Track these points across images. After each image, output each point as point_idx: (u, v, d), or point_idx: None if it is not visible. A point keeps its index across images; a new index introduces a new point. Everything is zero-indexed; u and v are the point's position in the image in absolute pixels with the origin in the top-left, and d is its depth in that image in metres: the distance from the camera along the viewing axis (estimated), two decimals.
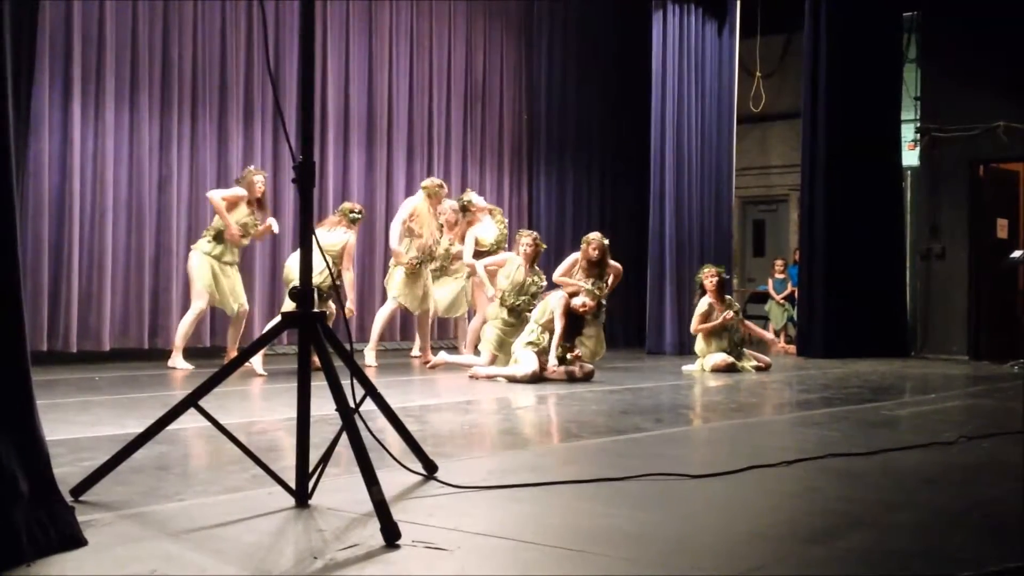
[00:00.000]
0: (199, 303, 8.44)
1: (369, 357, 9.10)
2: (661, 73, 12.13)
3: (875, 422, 5.95)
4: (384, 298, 10.92)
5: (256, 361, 8.11)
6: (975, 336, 12.83)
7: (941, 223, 13.23)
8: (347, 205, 8.94)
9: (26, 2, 3.49)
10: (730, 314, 9.59)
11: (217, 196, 8.52)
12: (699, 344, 9.78)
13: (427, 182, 9.60)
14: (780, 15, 13.75)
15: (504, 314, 8.83)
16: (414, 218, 9.30)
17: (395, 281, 9.34)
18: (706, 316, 9.66)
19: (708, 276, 9.72)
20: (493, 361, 8.71)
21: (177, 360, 8.37)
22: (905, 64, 13.41)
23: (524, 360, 8.12)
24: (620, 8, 13.41)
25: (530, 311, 8.73)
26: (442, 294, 9.74)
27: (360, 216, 8.90)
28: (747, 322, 9.93)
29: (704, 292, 9.75)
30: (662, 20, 12.16)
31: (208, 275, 8.39)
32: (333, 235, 8.54)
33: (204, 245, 8.46)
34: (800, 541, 3.00)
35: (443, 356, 9.17)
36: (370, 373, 8.22)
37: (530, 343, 8.24)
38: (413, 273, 9.26)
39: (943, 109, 13.13)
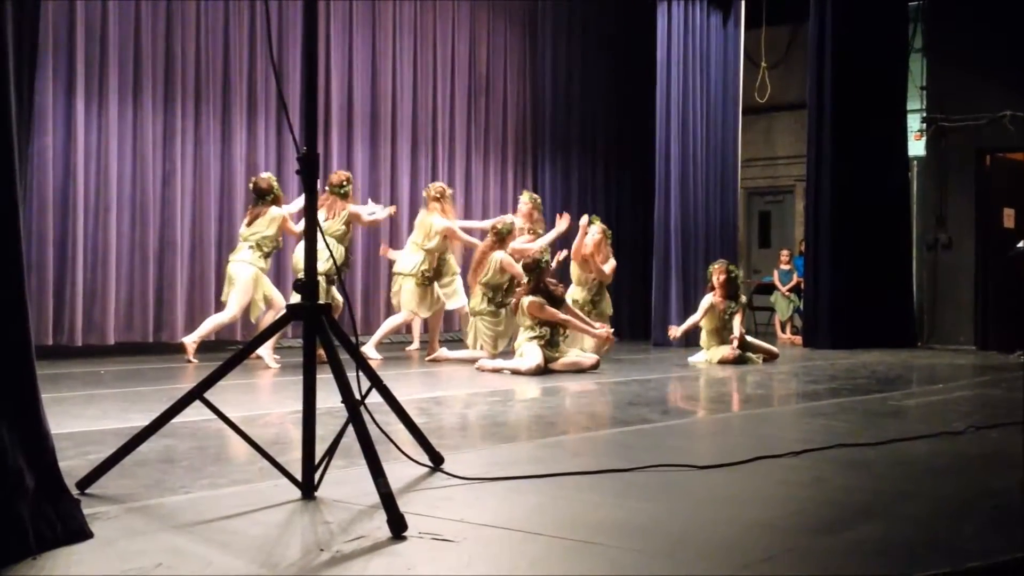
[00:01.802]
0: (238, 313, 8.44)
1: (371, 352, 9.09)
2: (666, 65, 12.09)
3: (883, 412, 5.93)
4: (387, 296, 10.99)
5: (266, 354, 8.14)
6: (982, 326, 12.80)
7: (948, 213, 13.20)
8: (333, 178, 8.91)
9: None
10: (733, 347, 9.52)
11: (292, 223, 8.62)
12: (703, 340, 9.77)
13: (430, 191, 9.52)
14: (785, 5, 13.71)
15: (486, 304, 8.90)
16: (443, 234, 9.29)
17: (406, 295, 9.29)
18: (708, 312, 9.62)
19: (716, 273, 9.70)
20: (495, 355, 8.77)
21: (192, 348, 8.33)
22: (911, 54, 13.37)
23: (529, 353, 8.12)
24: (624, 0, 13.37)
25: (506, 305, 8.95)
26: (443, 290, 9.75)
27: (349, 186, 8.88)
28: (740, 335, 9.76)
29: (712, 288, 9.73)
30: (666, 11, 12.12)
31: (254, 287, 8.38)
32: (335, 221, 8.60)
33: (258, 260, 8.39)
34: (808, 532, 2.99)
35: (444, 352, 9.19)
36: (374, 366, 8.22)
37: (534, 337, 8.24)
38: (422, 285, 9.26)
39: (949, 99, 13.08)
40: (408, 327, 10.72)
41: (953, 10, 12.94)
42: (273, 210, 8.37)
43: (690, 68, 12.26)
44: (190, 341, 8.36)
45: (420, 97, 11.93)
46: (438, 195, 9.36)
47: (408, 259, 9.33)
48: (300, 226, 8.59)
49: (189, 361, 8.21)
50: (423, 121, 11.97)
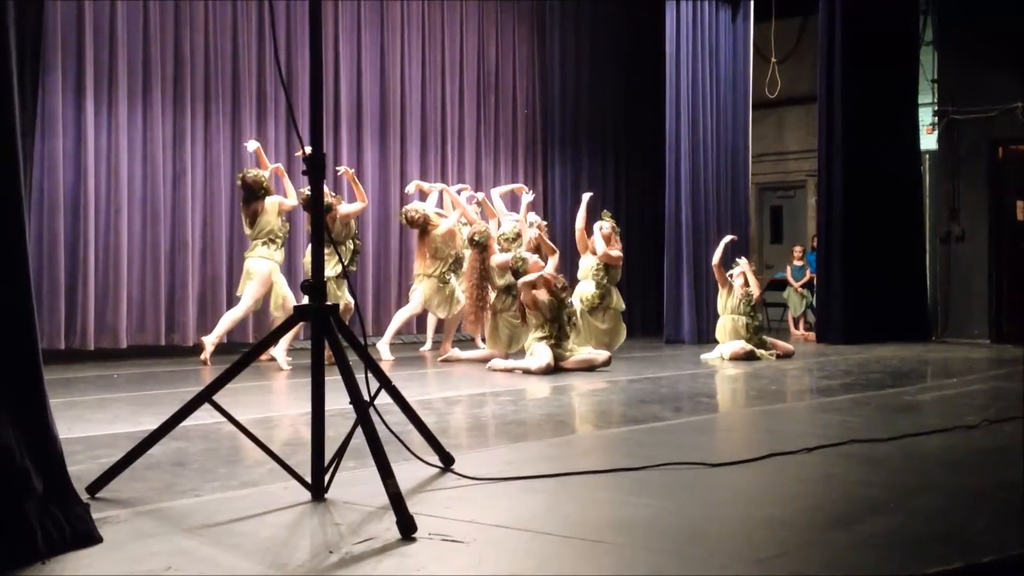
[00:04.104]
0: (252, 306, 8.48)
1: (384, 351, 9.08)
2: (675, 60, 12.05)
3: (896, 407, 5.90)
4: (398, 296, 11.00)
5: (279, 355, 8.15)
6: (996, 319, 12.73)
7: (960, 206, 13.13)
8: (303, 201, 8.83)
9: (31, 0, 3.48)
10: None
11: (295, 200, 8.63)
12: (719, 329, 9.77)
13: (415, 223, 9.42)
14: None
15: (509, 303, 8.92)
16: (449, 236, 9.28)
17: (423, 291, 9.31)
18: (727, 286, 9.67)
19: (744, 273, 9.78)
20: (506, 355, 8.76)
21: (210, 347, 8.33)
22: (922, 46, 13.30)
23: (539, 353, 8.10)
24: None
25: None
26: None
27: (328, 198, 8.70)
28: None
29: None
30: (675, 6, 12.08)
31: (270, 281, 8.41)
32: (336, 233, 8.60)
33: (274, 253, 8.41)
34: (822, 527, 2.97)
35: (456, 352, 9.19)
36: (386, 367, 8.24)
37: (543, 337, 8.21)
38: (443, 283, 9.28)
39: (961, 91, 13.01)
40: (423, 328, 10.73)
41: (963, 2, 12.87)
42: (268, 201, 8.41)
43: (699, 63, 12.21)
44: (209, 341, 8.36)
45: (429, 95, 11.92)
46: (423, 221, 9.33)
47: (427, 265, 9.35)
48: (291, 200, 8.61)
49: (204, 362, 8.21)
50: (432, 119, 11.96)
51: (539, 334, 8.24)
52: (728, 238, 10.12)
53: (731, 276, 9.81)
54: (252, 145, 8.69)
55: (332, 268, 8.11)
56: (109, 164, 9.00)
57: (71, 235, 8.70)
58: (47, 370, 2.72)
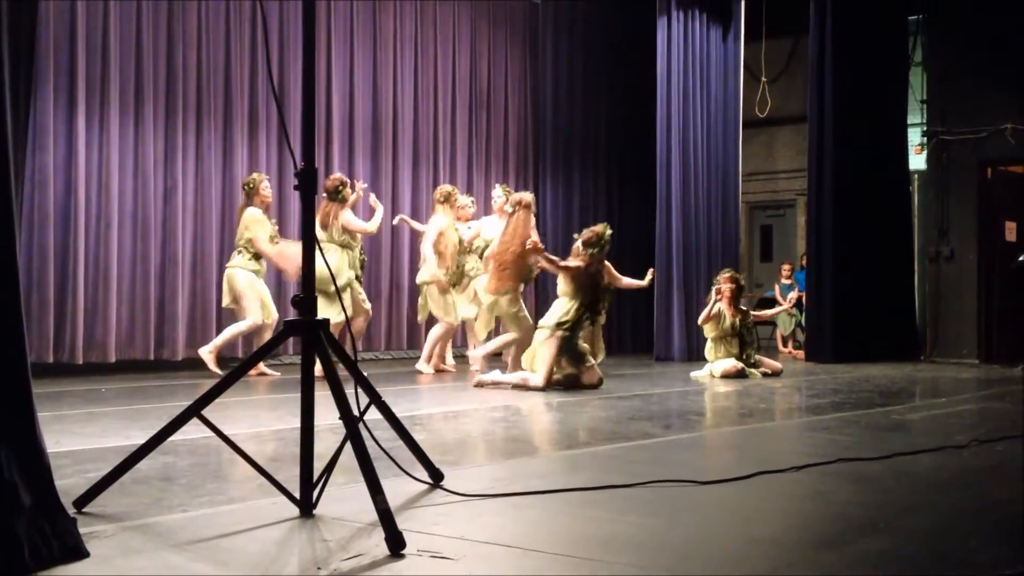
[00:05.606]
0: (254, 318, 8.52)
1: (424, 367, 9.28)
2: (666, 79, 12.10)
3: (886, 426, 5.90)
4: (388, 310, 11.01)
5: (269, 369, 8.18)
6: (985, 339, 12.78)
7: (949, 226, 13.18)
8: (328, 183, 8.83)
9: (24, 10, 3.48)
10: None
11: (265, 246, 8.57)
12: (708, 349, 9.75)
13: (438, 193, 9.57)
14: (785, 18, 13.72)
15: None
16: (440, 239, 9.30)
17: (434, 306, 9.34)
18: (716, 318, 9.57)
19: (725, 281, 9.64)
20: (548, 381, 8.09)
21: (210, 360, 8.34)
22: (911, 67, 13.38)
23: (540, 358, 7.95)
24: (625, 14, 13.40)
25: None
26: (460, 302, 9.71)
27: (345, 189, 8.77)
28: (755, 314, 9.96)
29: (720, 295, 9.62)
30: (666, 26, 12.13)
31: (256, 290, 8.45)
32: (336, 232, 8.66)
33: (248, 263, 8.47)
34: (812, 546, 2.96)
35: (447, 364, 9.21)
36: (425, 381, 8.52)
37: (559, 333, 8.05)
38: (443, 291, 9.29)
39: (950, 112, 13.09)
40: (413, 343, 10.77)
41: (953, 23, 12.96)
42: (249, 211, 8.46)
43: (690, 82, 12.27)
44: (208, 352, 8.39)
45: (421, 111, 11.94)
46: (443, 198, 9.42)
47: (428, 268, 9.34)
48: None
49: (216, 375, 8.16)
50: (424, 134, 11.97)
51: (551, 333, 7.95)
52: (714, 297, 9.70)
53: (714, 293, 9.71)
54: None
55: (341, 278, 8.22)
56: (100, 178, 8.98)
57: (61, 249, 8.68)
58: (35, 383, 2.70)
